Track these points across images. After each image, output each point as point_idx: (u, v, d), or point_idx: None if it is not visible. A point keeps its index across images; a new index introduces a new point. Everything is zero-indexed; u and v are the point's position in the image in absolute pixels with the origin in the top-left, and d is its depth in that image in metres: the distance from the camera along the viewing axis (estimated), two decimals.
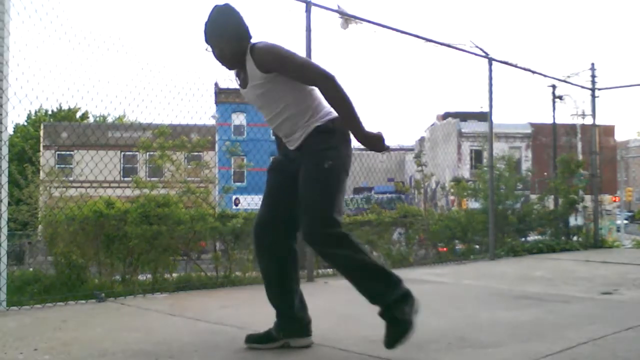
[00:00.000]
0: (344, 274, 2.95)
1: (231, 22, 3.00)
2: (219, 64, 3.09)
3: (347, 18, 6.79)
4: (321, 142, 2.90)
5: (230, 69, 3.14)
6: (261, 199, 3.15)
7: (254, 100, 3.07)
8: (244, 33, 3.01)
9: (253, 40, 3.02)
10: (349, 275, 2.94)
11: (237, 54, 3.00)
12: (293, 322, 3.13)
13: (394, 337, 2.85)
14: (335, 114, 2.92)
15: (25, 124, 35.10)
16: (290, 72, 2.89)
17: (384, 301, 2.90)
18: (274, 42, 2.97)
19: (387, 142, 2.87)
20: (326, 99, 2.89)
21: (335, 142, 2.93)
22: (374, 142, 2.85)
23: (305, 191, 2.87)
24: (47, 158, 20.98)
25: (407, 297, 2.90)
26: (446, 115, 34.18)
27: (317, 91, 2.94)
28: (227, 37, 2.99)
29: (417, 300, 2.94)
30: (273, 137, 3.22)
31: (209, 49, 3.07)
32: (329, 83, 2.83)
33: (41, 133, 28.59)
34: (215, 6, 3.03)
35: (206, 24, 3.03)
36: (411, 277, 6.57)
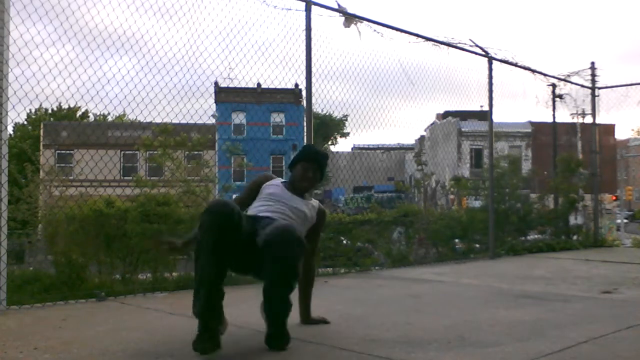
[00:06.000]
0: None
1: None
2: (304, 180, 3.75)
3: (350, 17, 6.79)
4: None
5: (306, 188, 3.79)
6: None
7: (290, 207, 3.62)
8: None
9: None
10: None
11: (315, 185, 3.89)
12: None
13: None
14: None
15: (25, 122, 35.08)
16: (315, 237, 3.81)
17: None
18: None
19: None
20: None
21: None
22: None
23: None
24: (47, 157, 20.96)
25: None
26: (446, 114, 34.13)
27: None
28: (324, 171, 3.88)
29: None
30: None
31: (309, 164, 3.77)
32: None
33: (41, 132, 28.55)
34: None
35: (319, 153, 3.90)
36: (411, 276, 6.58)
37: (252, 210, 3.60)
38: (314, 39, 6.32)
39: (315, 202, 3.85)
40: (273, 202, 3.61)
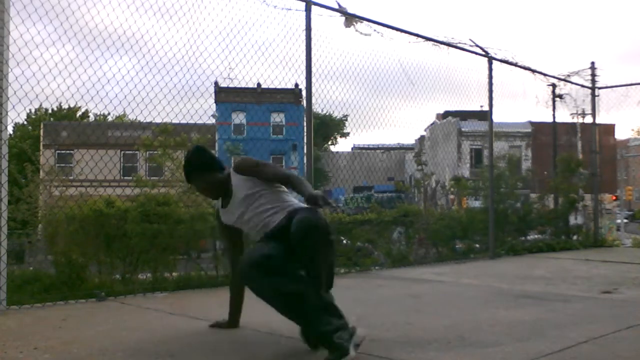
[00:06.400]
0: None
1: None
2: (204, 193, 3.79)
3: (350, 17, 6.79)
4: None
5: (213, 197, 3.70)
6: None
7: (251, 208, 3.44)
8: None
9: None
10: None
11: (213, 185, 3.59)
12: None
13: None
14: None
15: (25, 122, 35.11)
16: (267, 174, 3.49)
17: None
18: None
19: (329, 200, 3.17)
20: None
21: None
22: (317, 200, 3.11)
23: None
24: (47, 157, 20.94)
25: None
26: (446, 114, 34.12)
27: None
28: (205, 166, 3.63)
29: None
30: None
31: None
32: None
33: (41, 132, 28.57)
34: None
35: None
36: (411, 276, 6.58)
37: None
38: (314, 39, 6.32)
39: (230, 172, 3.57)
40: (246, 221, 3.45)
